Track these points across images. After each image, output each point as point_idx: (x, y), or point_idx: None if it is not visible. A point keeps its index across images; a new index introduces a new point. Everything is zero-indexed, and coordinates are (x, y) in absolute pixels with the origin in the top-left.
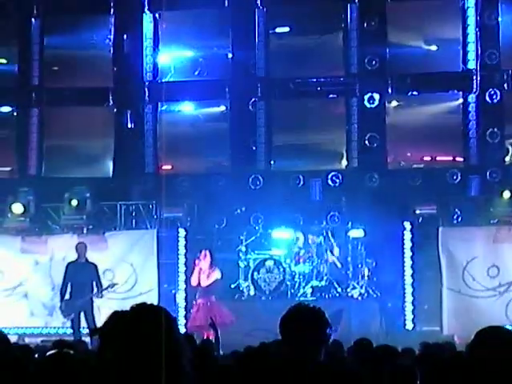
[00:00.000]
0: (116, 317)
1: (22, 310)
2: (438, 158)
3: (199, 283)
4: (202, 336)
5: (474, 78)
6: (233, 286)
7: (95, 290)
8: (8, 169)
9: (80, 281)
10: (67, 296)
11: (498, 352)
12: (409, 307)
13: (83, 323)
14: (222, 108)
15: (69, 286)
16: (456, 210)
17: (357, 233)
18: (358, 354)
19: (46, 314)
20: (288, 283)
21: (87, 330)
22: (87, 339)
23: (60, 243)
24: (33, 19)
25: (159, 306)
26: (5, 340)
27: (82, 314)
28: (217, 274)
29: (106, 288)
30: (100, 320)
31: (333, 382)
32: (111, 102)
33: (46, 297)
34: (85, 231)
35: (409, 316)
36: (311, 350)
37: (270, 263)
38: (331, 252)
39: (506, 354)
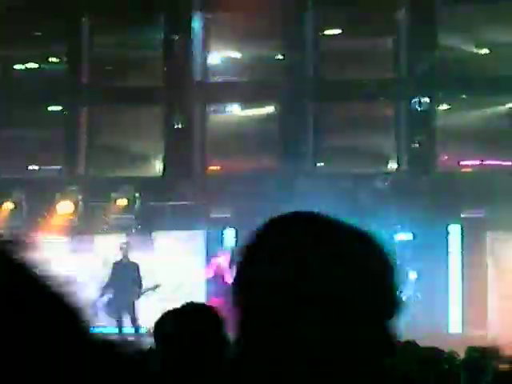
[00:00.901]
0: (172, 316)
1: None
2: (487, 162)
3: (219, 277)
4: None
5: None
6: None
7: (136, 289)
8: (57, 167)
9: (122, 280)
10: (110, 295)
11: None
12: (454, 311)
13: (127, 322)
14: (271, 109)
15: (111, 285)
16: (505, 214)
17: (405, 236)
18: (404, 355)
19: (92, 313)
20: None
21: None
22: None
23: (108, 243)
24: (83, 18)
25: (212, 306)
26: None
27: (126, 314)
28: None
29: (149, 289)
30: (144, 319)
31: None
32: (160, 102)
33: (92, 296)
34: (133, 231)
35: (454, 319)
36: None
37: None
38: None
39: None
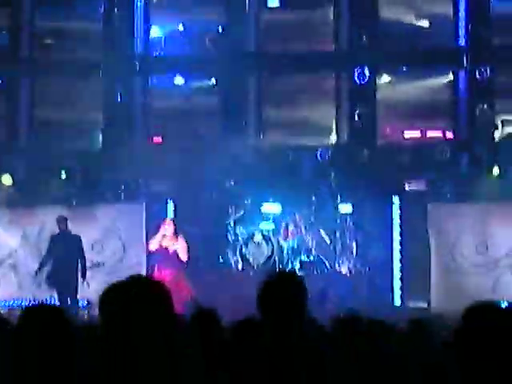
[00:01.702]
0: (114, 289)
1: (11, 283)
2: (428, 135)
3: (162, 248)
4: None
5: (464, 54)
6: (221, 259)
7: (78, 262)
8: None
9: (63, 253)
10: (49, 268)
11: (490, 326)
12: (397, 283)
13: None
14: (212, 82)
15: (51, 258)
16: (445, 186)
17: (345, 208)
18: (347, 329)
19: (35, 286)
20: (276, 258)
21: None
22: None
23: (48, 215)
24: None
25: (155, 279)
26: None
27: (67, 287)
28: (183, 243)
29: (92, 267)
30: (89, 292)
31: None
32: (101, 75)
33: (34, 269)
34: (74, 203)
35: (397, 292)
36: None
37: (258, 238)
38: (318, 227)
39: (498, 327)
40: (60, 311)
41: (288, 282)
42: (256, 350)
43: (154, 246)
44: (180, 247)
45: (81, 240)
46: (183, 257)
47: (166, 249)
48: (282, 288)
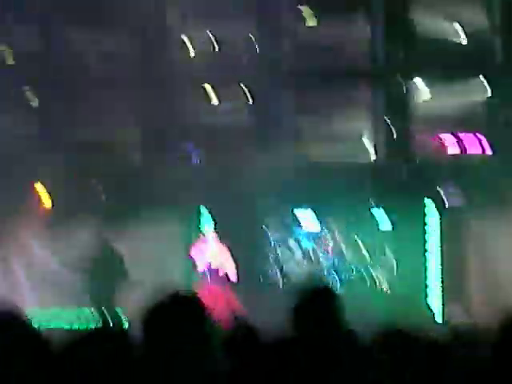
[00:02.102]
0: (154, 309)
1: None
2: (467, 150)
3: (210, 266)
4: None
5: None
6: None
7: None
8: None
9: (104, 269)
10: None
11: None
12: (436, 300)
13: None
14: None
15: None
16: (485, 201)
17: (385, 224)
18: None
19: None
20: (317, 275)
21: None
22: None
23: (87, 231)
24: None
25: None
26: None
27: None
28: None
29: (131, 283)
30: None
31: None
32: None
33: (74, 284)
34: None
35: (437, 309)
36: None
37: (298, 255)
38: (358, 243)
39: None
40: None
41: (320, 296)
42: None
43: (201, 264)
44: (229, 266)
45: (122, 256)
46: (232, 277)
47: (215, 267)
48: (314, 302)
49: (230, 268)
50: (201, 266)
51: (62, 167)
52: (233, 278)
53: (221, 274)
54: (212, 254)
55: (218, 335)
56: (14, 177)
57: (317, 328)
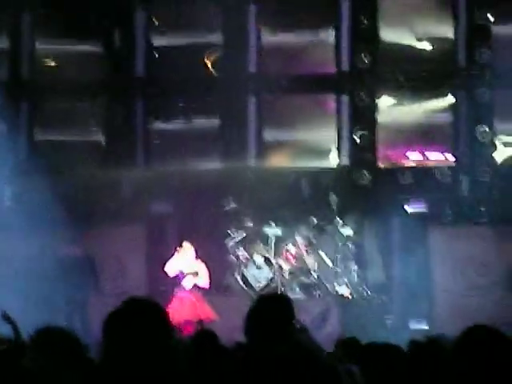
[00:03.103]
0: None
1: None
2: (429, 157)
3: (181, 273)
4: (184, 332)
5: (464, 76)
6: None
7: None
8: None
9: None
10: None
11: (483, 350)
12: (398, 306)
13: None
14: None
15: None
16: (446, 208)
17: (346, 230)
18: (347, 351)
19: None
20: (277, 280)
21: None
22: None
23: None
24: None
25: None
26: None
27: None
28: (204, 269)
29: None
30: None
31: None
32: (102, 96)
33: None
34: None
35: (397, 314)
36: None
37: (259, 260)
38: (319, 249)
39: (491, 352)
40: None
41: (272, 302)
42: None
43: (172, 271)
44: (201, 273)
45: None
46: (205, 284)
47: (187, 275)
48: (265, 310)
49: (202, 276)
50: (172, 274)
51: None
52: (205, 285)
53: (193, 281)
54: (185, 262)
55: (177, 340)
56: None
57: (266, 335)
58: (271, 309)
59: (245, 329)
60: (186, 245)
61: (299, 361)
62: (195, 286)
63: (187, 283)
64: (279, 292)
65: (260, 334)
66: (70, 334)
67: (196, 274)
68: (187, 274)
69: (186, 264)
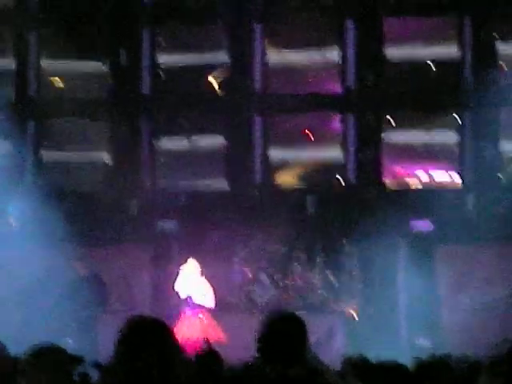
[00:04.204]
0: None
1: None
2: (435, 177)
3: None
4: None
5: (470, 95)
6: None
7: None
8: None
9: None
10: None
11: None
12: (403, 324)
13: None
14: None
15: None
16: (452, 228)
17: (352, 249)
18: (354, 370)
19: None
20: (282, 298)
21: None
22: None
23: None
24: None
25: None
26: None
27: None
28: (209, 288)
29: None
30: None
31: None
32: (107, 116)
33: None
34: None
35: (403, 332)
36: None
37: (263, 277)
38: (325, 267)
39: None
40: None
41: (287, 323)
42: None
43: (182, 292)
44: (207, 292)
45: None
46: (210, 303)
47: (194, 295)
48: (280, 329)
49: (208, 294)
50: (184, 295)
51: None
52: (211, 304)
53: (199, 302)
54: (192, 280)
55: (182, 359)
56: None
57: (280, 356)
58: (286, 330)
59: (258, 348)
60: (191, 261)
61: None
62: (201, 305)
63: (195, 302)
64: (286, 311)
65: (274, 354)
66: (61, 351)
67: (203, 293)
68: (195, 292)
69: (193, 282)
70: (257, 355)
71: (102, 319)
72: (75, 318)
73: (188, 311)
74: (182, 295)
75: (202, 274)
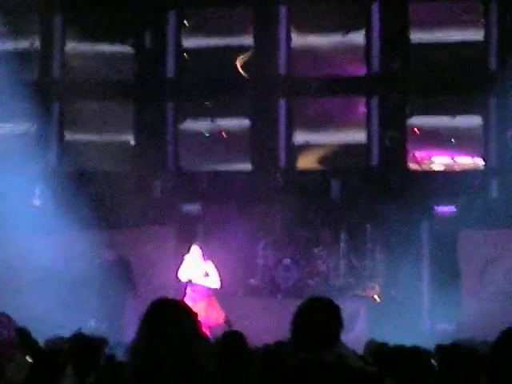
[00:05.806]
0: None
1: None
2: (458, 161)
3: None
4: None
5: (495, 79)
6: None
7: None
8: None
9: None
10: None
11: None
12: (426, 308)
13: None
14: (242, 105)
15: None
16: (475, 212)
17: (376, 232)
18: (374, 354)
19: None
20: (306, 282)
21: None
22: None
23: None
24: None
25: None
26: None
27: None
28: (214, 271)
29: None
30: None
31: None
32: (132, 98)
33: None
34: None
35: (426, 317)
36: (325, 348)
37: (287, 261)
38: (348, 252)
39: None
40: None
41: (323, 309)
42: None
43: (184, 277)
44: (211, 275)
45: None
46: (215, 285)
47: (197, 278)
48: (318, 315)
49: (213, 276)
50: (184, 279)
51: None
52: (216, 285)
53: (203, 282)
54: (195, 265)
55: (205, 339)
56: None
57: (315, 341)
58: (324, 316)
59: (292, 331)
60: (194, 248)
61: (344, 371)
62: (205, 286)
63: (197, 284)
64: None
65: (309, 340)
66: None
67: (206, 274)
68: (198, 275)
69: (195, 267)
70: (289, 338)
71: (128, 302)
72: (102, 301)
73: (189, 294)
74: (183, 279)
75: (207, 259)
